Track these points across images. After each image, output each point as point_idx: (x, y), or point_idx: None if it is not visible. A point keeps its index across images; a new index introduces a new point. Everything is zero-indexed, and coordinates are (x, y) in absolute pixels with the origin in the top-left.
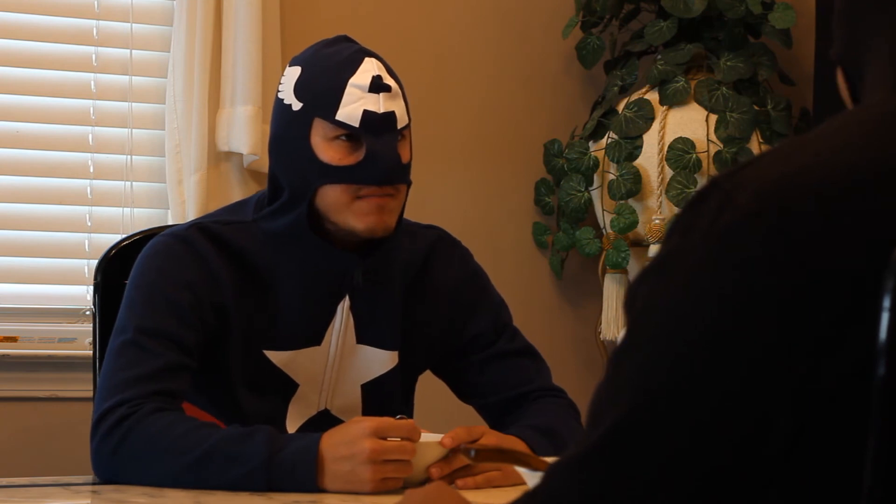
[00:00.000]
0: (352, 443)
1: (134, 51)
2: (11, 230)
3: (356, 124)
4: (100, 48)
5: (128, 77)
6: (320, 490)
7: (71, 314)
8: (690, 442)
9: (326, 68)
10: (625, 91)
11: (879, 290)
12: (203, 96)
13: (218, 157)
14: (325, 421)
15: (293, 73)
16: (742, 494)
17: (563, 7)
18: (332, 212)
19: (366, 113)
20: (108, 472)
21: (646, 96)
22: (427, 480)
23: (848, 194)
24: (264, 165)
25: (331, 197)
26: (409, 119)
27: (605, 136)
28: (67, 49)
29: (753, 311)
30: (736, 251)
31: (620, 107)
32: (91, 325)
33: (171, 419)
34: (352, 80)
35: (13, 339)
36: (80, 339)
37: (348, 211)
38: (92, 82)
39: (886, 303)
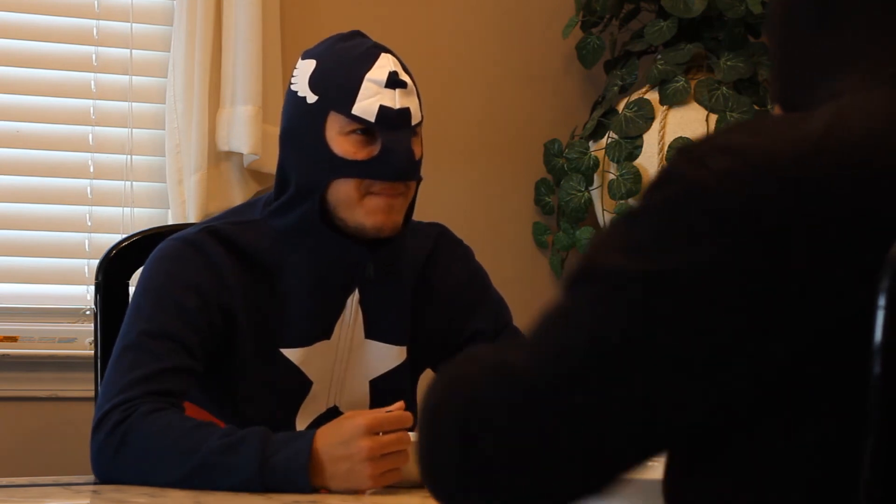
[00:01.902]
0: (348, 443)
1: (134, 51)
2: (11, 230)
3: (372, 119)
4: (100, 48)
5: (128, 77)
6: (319, 489)
7: (71, 314)
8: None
9: (343, 62)
10: (625, 91)
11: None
12: (203, 96)
13: (218, 157)
14: (333, 418)
15: (307, 66)
16: (716, 438)
17: (563, 7)
18: (342, 207)
19: (382, 108)
20: (109, 474)
21: (646, 96)
22: None
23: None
24: (264, 165)
25: (342, 192)
26: (422, 116)
27: (605, 136)
28: (67, 49)
29: (734, 246)
30: (711, 200)
31: (620, 107)
32: (91, 325)
33: (166, 422)
34: (368, 75)
35: (13, 339)
36: (80, 339)
37: (358, 206)
38: (92, 82)
39: (882, 301)
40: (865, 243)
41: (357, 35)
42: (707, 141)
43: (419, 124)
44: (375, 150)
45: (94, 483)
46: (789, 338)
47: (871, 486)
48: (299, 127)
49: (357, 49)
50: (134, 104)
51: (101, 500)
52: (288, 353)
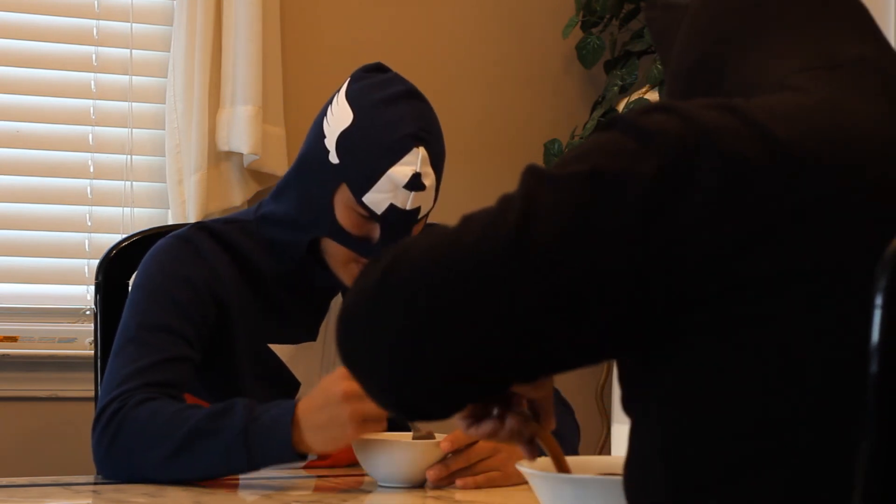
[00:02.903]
0: (326, 390)
1: (134, 51)
2: (11, 230)
3: (378, 213)
4: (100, 48)
5: (128, 77)
6: (301, 455)
7: (71, 314)
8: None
9: (374, 142)
10: (625, 91)
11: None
12: (203, 96)
13: (218, 157)
14: None
15: (344, 116)
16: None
17: (563, 7)
18: (328, 257)
19: (391, 206)
20: (107, 466)
21: (646, 96)
22: (425, 481)
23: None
24: (264, 165)
25: (331, 248)
26: (436, 199)
27: None
28: (67, 49)
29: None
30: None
31: (620, 106)
32: (91, 325)
33: (158, 407)
34: (391, 171)
35: (13, 339)
36: (80, 339)
37: (343, 268)
38: (92, 82)
39: (879, 300)
40: (756, 212)
41: (402, 96)
42: (655, 103)
43: (427, 213)
44: (375, 233)
45: (94, 483)
46: (675, 262)
47: (870, 488)
48: (313, 173)
49: (394, 130)
50: (134, 104)
51: (101, 500)
52: (276, 348)
